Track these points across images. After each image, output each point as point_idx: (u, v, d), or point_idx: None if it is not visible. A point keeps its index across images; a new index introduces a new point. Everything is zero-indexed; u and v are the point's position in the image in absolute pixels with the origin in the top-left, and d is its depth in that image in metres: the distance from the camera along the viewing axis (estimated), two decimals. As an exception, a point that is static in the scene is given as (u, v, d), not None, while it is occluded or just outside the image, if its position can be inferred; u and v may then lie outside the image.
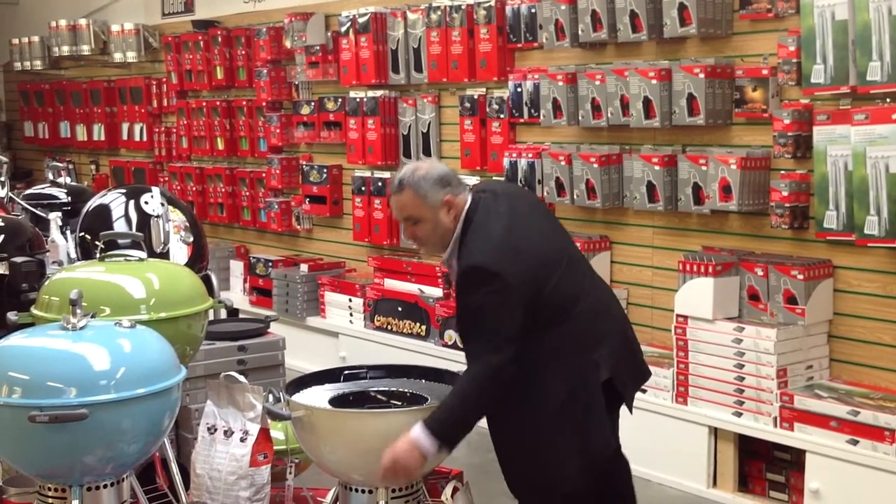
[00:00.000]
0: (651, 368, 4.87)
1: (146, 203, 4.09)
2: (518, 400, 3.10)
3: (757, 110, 4.71)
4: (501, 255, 3.03)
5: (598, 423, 3.16)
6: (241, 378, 3.65)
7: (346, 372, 3.44)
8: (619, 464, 3.43)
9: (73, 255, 4.18)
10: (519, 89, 5.70)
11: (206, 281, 3.90)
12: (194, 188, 8.14)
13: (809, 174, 4.55)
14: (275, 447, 3.61)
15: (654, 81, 4.91)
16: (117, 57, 8.81)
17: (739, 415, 4.59)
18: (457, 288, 3.12)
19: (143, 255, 3.56)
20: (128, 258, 3.49)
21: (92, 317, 2.88)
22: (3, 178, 5.02)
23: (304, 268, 6.95)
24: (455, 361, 5.72)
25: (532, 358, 3.06)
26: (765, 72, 4.67)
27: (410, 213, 3.14)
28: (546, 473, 3.15)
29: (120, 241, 3.76)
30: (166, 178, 8.48)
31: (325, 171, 7.05)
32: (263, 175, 7.57)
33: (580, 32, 5.26)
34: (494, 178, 5.77)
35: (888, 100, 4.20)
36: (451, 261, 3.16)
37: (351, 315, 6.58)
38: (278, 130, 7.36)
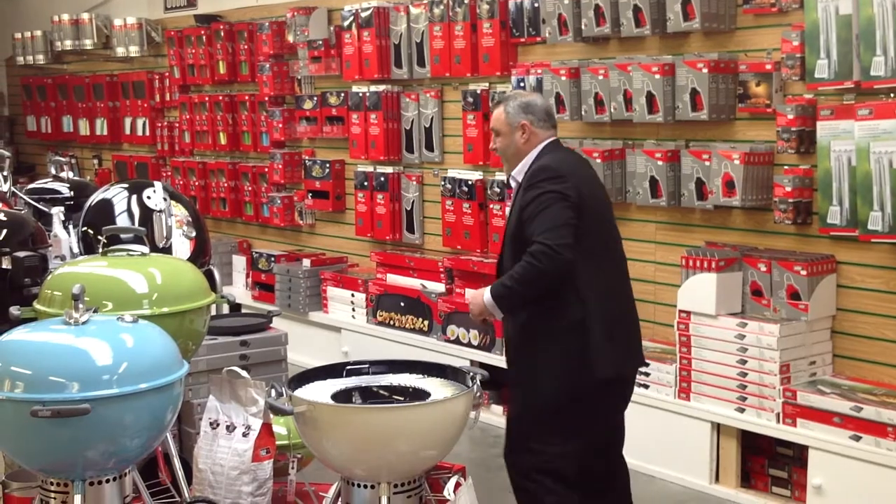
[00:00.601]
0: (654, 364, 4.92)
1: (148, 198, 4.08)
2: (546, 308, 3.52)
3: (760, 105, 4.70)
4: (566, 167, 3.59)
5: (600, 353, 3.51)
6: (244, 373, 3.65)
7: (349, 367, 3.43)
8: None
9: (76, 250, 4.18)
10: (522, 84, 5.69)
11: (209, 276, 3.89)
12: (197, 183, 8.14)
13: (813, 169, 4.54)
14: (277, 442, 3.60)
15: (657, 76, 4.90)
16: (120, 51, 8.81)
17: (742, 410, 4.58)
18: (523, 191, 3.56)
19: (146, 249, 3.56)
20: (130, 253, 3.48)
21: (94, 312, 2.87)
22: (5, 173, 5.01)
23: (306, 263, 6.95)
24: (457, 357, 5.73)
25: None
26: (768, 67, 4.66)
27: (494, 126, 3.73)
28: (545, 384, 3.55)
29: (122, 236, 3.75)
30: (169, 173, 8.48)
31: (327, 165, 7.04)
32: (266, 170, 7.56)
33: (583, 27, 5.25)
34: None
35: (892, 95, 4.19)
36: (519, 177, 3.65)
37: (353, 310, 6.58)
38: (281, 125, 7.35)
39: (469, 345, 5.84)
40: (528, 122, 3.64)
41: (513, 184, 3.73)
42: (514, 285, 3.45)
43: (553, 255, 3.36)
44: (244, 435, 3.57)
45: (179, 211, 4.15)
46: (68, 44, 9.31)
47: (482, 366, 5.11)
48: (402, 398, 3.26)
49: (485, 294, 3.54)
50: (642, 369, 4.92)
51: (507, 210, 3.72)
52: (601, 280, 3.54)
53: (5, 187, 4.96)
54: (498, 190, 5.89)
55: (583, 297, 3.48)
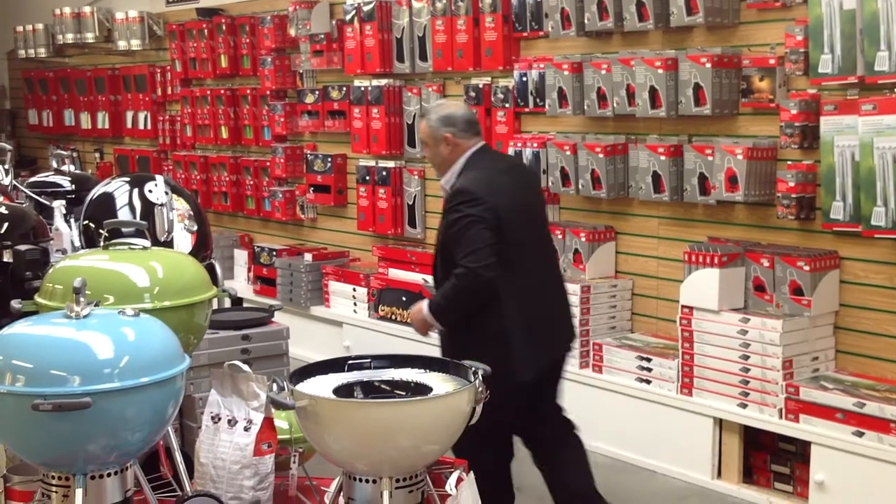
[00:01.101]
0: (656, 359, 4.91)
1: (150, 191, 4.07)
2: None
3: (764, 100, 4.69)
4: (483, 187, 3.75)
5: (522, 360, 3.74)
6: (245, 367, 3.63)
7: (350, 361, 3.42)
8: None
9: (77, 244, 4.17)
10: (524, 78, 5.68)
11: (210, 270, 3.88)
12: (199, 177, 8.13)
13: (816, 165, 4.53)
14: (279, 436, 3.59)
15: (660, 71, 4.88)
16: (121, 45, 8.80)
17: (744, 406, 4.58)
18: (446, 213, 3.77)
19: (147, 243, 3.54)
20: (131, 247, 3.47)
21: (95, 305, 2.86)
22: (6, 166, 5.01)
23: (308, 257, 6.95)
24: (459, 351, 5.71)
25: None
26: (772, 61, 4.65)
27: (421, 137, 3.99)
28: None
29: (124, 230, 3.74)
30: (170, 167, 8.47)
31: (329, 160, 7.03)
32: (268, 164, 7.55)
33: (586, 21, 5.23)
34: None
35: (896, 90, 4.18)
36: (447, 186, 3.86)
37: (355, 304, 6.57)
38: (282, 119, 7.34)
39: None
40: (450, 135, 3.83)
41: (442, 193, 3.94)
42: (444, 303, 3.77)
43: (475, 277, 3.65)
44: (246, 429, 3.56)
45: (181, 205, 4.14)
46: (70, 37, 9.31)
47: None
48: (403, 393, 3.25)
49: (424, 308, 3.81)
50: (644, 364, 4.94)
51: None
52: (521, 286, 3.78)
53: (6, 181, 4.95)
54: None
55: (502, 310, 3.73)
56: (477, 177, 3.79)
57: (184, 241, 4.10)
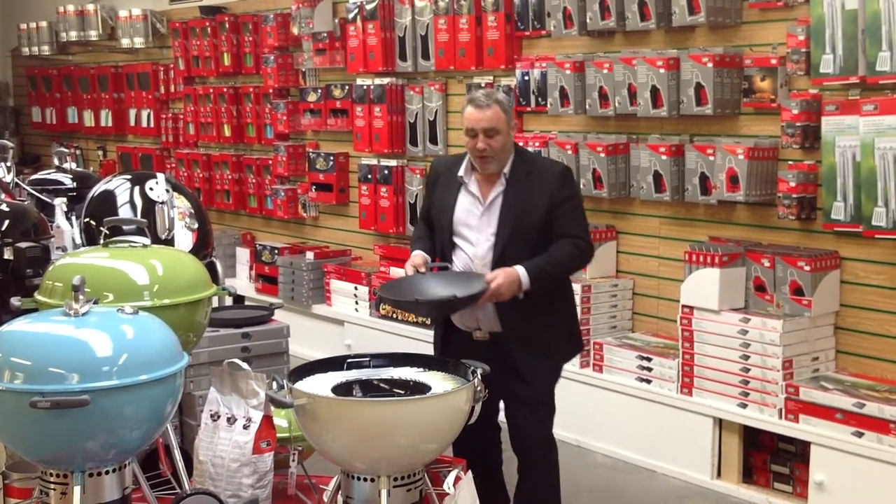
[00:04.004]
0: (656, 359, 4.92)
1: (151, 189, 4.08)
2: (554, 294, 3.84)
3: (765, 100, 4.69)
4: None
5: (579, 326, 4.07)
6: (245, 365, 3.64)
7: (350, 360, 3.43)
8: None
9: (78, 241, 4.17)
10: (526, 78, 5.68)
11: (211, 268, 3.89)
12: (201, 175, 8.14)
13: (817, 165, 4.53)
14: (278, 435, 3.60)
15: (662, 70, 4.88)
16: (125, 42, 8.81)
17: (744, 406, 4.57)
18: (557, 189, 3.70)
19: (147, 241, 3.55)
20: (132, 244, 3.47)
21: (95, 303, 2.87)
22: (8, 164, 5.01)
23: (309, 255, 6.95)
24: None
25: None
26: (773, 61, 4.65)
27: (494, 125, 3.64)
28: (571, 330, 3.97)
29: (124, 228, 3.74)
30: (173, 165, 8.48)
31: (331, 158, 7.03)
32: (270, 162, 7.56)
33: (588, 20, 5.23)
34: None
35: (898, 90, 4.18)
36: (505, 170, 3.72)
37: (356, 303, 6.58)
38: (285, 117, 7.35)
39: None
40: (514, 122, 3.91)
41: (476, 186, 3.78)
42: (553, 271, 3.69)
43: (591, 255, 3.84)
44: (245, 427, 3.56)
45: (182, 203, 4.14)
46: (73, 35, 9.31)
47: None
48: (402, 391, 3.25)
49: (521, 273, 3.63)
50: (644, 364, 4.94)
51: (499, 203, 3.76)
52: None
53: (8, 178, 4.96)
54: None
55: (569, 291, 3.94)
56: (549, 158, 4.11)
57: (184, 239, 4.10)
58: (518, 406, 3.81)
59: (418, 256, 3.81)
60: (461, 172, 3.79)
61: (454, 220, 3.80)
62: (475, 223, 3.76)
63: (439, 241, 3.86)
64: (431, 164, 4.07)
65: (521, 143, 5.56)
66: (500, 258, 3.71)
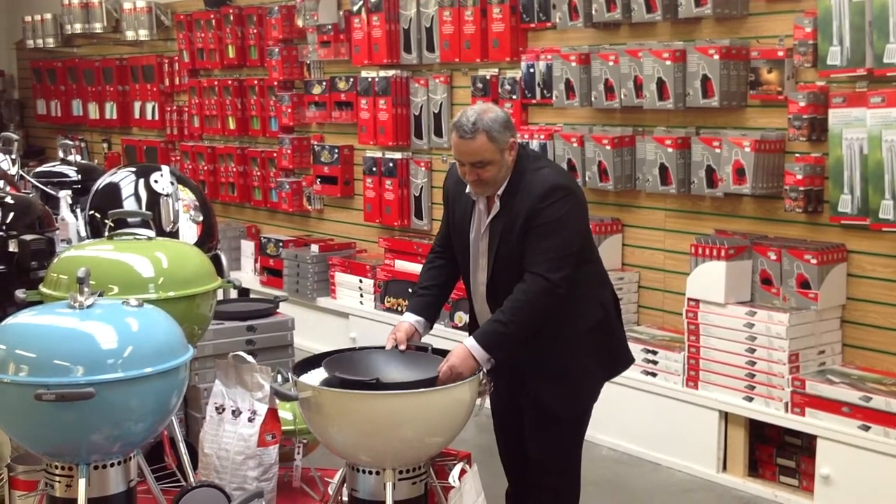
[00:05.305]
0: (662, 352, 4.91)
1: (156, 182, 4.09)
2: (559, 319, 3.29)
3: (772, 92, 4.67)
4: (569, 181, 3.36)
5: (622, 341, 3.56)
6: (250, 358, 3.65)
7: (355, 353, 3.43)
8: None
9: (83, 234, 4.18)
10: (531, 70, 5.66)
11: (216, 260, 3.89)
12: (206, 167, 8.13)
13: (824, 157, 4.51)
14: (283, 427, 3.60)
15: (668, 62, 4.86)
16: (129, 35, 8.80)
17: (750, 399, 4.56)
18: (535, 210, 3.20)
19: (152, 233, 3.55)
20: (137, 237, 3.48)
21: (100, 295, 2.87)
22: (13, 156, 5.02)
23: (314, 248, 6.94)
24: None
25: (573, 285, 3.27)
26: (780, 53, 4.63)
27: (481, 157, 3.18)
28: (579, 384, 3.47)
29: (129, 220, 3.75)
30: (178, 157, 8.47)
31: (336, 151, 7.02)
32: (275, 155, 7.55)
33: (594, 12, 5.21)
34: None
35: (905, 83, 4.16)
36: (498, 196, 3.26)
37: (361, 296, 6.57)
38: (290, 110, 7.34)
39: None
40: (513, 139, 3.24)
41: (482, 204, 3.33)
42: (514, 329, 3.20)
43: (560, 292, 3.20)
44: (250, 420, 3.56)
45: (186, 195, 4.15)
46: (78, 27, 9.30)
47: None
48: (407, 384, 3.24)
49: (471, 347, 3.18)
50: (649, 357, 4.93)
51: (487, 230, 3.34)
52: (603, 271, 3.53)
53: (13, 170, 4.96)
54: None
55: (602, 297, 3.43)
56: (555, 167, 3.44)
57: (189, 231, 4.11)
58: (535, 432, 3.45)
59: (402, 329, 3.44)
60: (469, 189, 3.34)
61: (469, 247, 3.41)
62: (483, 248, 3.37)
63: (461, 264, 3.49)
64: (447, 173, 3.57)
65: (525, 139, 5.59)
66: (492, 289, 3.36)
